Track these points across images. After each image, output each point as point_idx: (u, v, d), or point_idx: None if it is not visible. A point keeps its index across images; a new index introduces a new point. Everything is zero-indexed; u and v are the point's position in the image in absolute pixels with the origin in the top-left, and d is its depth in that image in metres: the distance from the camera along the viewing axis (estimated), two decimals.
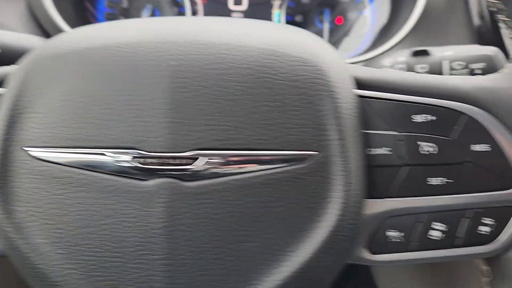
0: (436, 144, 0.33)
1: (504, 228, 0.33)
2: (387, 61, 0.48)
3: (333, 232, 0.31)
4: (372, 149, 0.33)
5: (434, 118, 0.33)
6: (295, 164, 0.31)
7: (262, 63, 0.31)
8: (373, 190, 0.33)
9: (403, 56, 0.48)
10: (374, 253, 0.35)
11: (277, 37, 0.33)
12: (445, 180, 0.33)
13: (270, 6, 0.81)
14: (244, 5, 0.81)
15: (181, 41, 0.31)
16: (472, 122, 0.33)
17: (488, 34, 0.64)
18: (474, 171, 0.33)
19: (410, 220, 0.34)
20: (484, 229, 0.33)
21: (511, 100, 0.32)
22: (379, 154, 0.33)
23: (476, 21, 0.65)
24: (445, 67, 0.46)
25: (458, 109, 0.33)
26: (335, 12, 0.80)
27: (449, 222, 0.33)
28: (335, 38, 0.79)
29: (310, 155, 0.31)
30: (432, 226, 0.34)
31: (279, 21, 0.80)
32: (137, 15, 0.81)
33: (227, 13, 0.81)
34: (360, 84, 0.34)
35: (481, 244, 0.34)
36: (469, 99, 0.33)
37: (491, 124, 0.32)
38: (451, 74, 0.45)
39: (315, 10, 0.80)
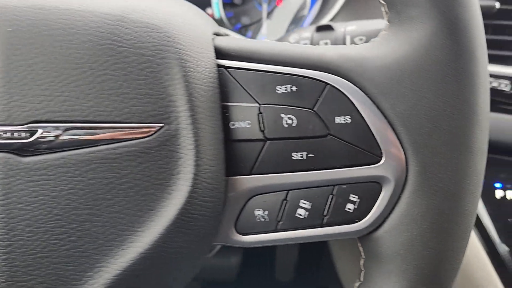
0: (298, 116, 0.31)
1: (371, 205, 0.31)
2: (292, 37, 0.46)
3: (184, 210, 0.29)
4: (235, 123, 0.31)
5: (296, 88, 0.31)
6: (140, 138, 0.29)
7: (106, 29, 0.29)
8: (237, 167, 0.31)
9: (308, 31, 0.46)
10: (243, 234, 0.33)
11: (129, 2, 0.31)
12: (306, 154, 0.31)
13: None
14: None
15: (20, 6, 0.29)
16: (335, 92, 0.30)
17: None
18: (337, 144, 0.31)
19: (277, 198, 0.32)
20: (351, 207, 0.31)
21: (374, 69, 0.30)
22: (241, 128, 0.31)
23: None
24: (348, 42, 0.44)
25: (320, 78, 0.31)
26: None
27: (316, 200, 0.31)
28: (276, 19, 0.77)
29: (155, 128, 0.29)
30: (300, 204, 0.32)
31: (217, 4, 0.78)
32: None
33: None
34: (223, 54, 0.32)
35: (349, 222, 0.32)
36: (332, 68, 0.31)
37: (353, 94, 0.30)
38: None
39: None
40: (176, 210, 0.29)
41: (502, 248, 0.56)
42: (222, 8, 0.78)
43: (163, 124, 0.29)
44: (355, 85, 0.30)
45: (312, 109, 0.31)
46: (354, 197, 0.31)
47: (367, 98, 0.30)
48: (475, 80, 0.29)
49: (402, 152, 0.30)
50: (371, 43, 0.32)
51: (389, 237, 0.31)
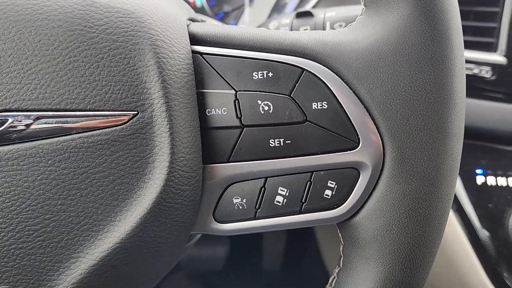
0: (275, 102, 0.30)
1: (349, 191, 0.31)
2: (272, 24, 0.46)
3: (160, 199, 0.29)
4: (211, 110, 0.31)
5: (273, 74, 0.31)
6: (113, 126, 0.28)
7: (76, 14, 0.28)
8: (214, 154, 0.31)
9: (288, 18, 0.45)
10: (221, 222, 0.33)
11: None
12: (284, 141, 0.31)
13: None
14: None
15: None
16: (312, 78, 0.30)
17: None
18: (315, 131, 0.30)
19: (255, 185, 0.32)
20: (329, 193, 0.31)
21: (350, 54, 0.30)
22: (217, 115, 0.31)
23: None
24: (327, 28, 0.44)
25: (296, 64, 0.30)
26: None
27: (295, 186, 0.31)
28: (258, 6, 0.77)
29: (129, 115, 0.28)
30: (279, 191, 0.31)
31: None
32: None
33: None
34: (198, 40, 0.31)
35: (327, 209, 0.32)
36: (308, 53, 0.30)
37: (330, 79, 0.30)
38: None
39: None
40: (152, 199, 0.29)
41: (483, 233, 0.57)
42: None
43: (136, 112, 0.28)
44: (331, 70, 0.30)
45: (289, 95, 0.30)
46: (332, 183, 0.31)
47: (343, 83, 0.30)
48: (451, 65, 0.29)
49: (379, 137, 0.30)
50: (347, 28, 0.31)
51: (367, 222, 0.31)
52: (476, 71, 0.60)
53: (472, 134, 0.62)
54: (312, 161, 0.31)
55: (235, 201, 0.32)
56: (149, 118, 0.28)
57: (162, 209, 0.29)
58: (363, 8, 0.31)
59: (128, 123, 0.28)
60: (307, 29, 0.44)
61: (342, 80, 0.30)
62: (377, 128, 0.30)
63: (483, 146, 0.61)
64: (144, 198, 0.29)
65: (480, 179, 0.59)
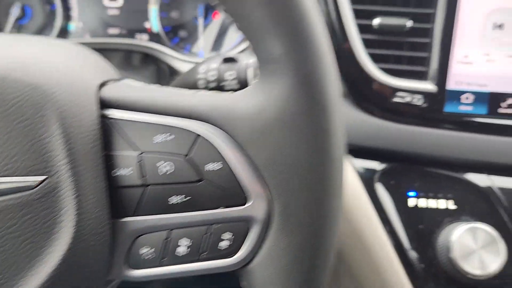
0: (175, 163, 0.34)
1: (242, 242, 0.35)
2: (202, 68, 0.49)
3: (68, 255, 0.32)
4: (117, 171, 0.34)
5: (172, 137, 0.34)
6: (23, 190, 0.31)
7: None
8: (121, 210, 0.34)
9: (215, 63, 0.48)
10: (133, 269, 0.36)
11: (14, 60, 0.33)
12: (184, 197, 0.34)
13: (146, 2, 0.80)
14: (120, 1, 0.80)
15: None
16: (206, 141, 0.34)
17: None
18: (210, 188, 0.34)
19: (159, 237, 0.35)
20: (225, 244, 0.35)
21: (240, 120, 0.33)
22: (122, 175, 0.34)
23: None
24: (250, 74, 0.47)
25: (191, 129, 0.34)
26: (211, 7, 0.79)
27: (194, 238, 0.35)
28: (212, 33, 0.79)
29: (38, 180, 0.31)
30: (179, 243, 0.35)
31: (155, 18, 0.79)
32: (5, 12, 0.80)
33: (102, 9, 0.80)
34: (107, 104, 0.35)
35: (223, 257, 0.35)
36: (204, 119, 0.34)
37: (224, 141, 0.33)
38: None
39: (190, 6, 0.79)
40: (60, 255, 0.32)
41: (412, 254, 0.61)
42: (159, 22, 0.80)
43: (46, 177, 0.31)
44: (224, 132, 0.33)
45: (186, 156, 0.34)
46: (228, 235, 0.34)
47: (236, 146, 0.33)
48: (327, 130, 0.32)
49: (268, 195, 0.33)
50: (242, 92, 0.34)
51: (260, 269, 0.34)
52: (408, 99, 0.63)
53: (407, 158, 0.65)
54: (209, 215, 0.34)
55: (143, 251, 0.35)
56: (56, 183, 0.31)
57: (72, 264, 0.32)
58: (259, 75, 0.34)
59: (37, 187, 0.31)
60: (232, 74, 0.47)
61: (235, 142, 0.33)
62: (267, 186, 0.33)
63: (417, 169, 0.65)
64: (54, 255, 0.32)
65: (412, 202, 0.63)
